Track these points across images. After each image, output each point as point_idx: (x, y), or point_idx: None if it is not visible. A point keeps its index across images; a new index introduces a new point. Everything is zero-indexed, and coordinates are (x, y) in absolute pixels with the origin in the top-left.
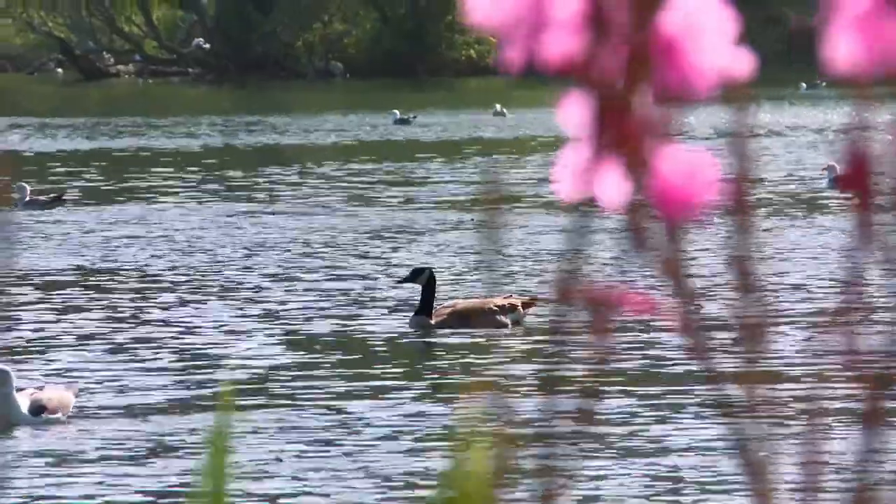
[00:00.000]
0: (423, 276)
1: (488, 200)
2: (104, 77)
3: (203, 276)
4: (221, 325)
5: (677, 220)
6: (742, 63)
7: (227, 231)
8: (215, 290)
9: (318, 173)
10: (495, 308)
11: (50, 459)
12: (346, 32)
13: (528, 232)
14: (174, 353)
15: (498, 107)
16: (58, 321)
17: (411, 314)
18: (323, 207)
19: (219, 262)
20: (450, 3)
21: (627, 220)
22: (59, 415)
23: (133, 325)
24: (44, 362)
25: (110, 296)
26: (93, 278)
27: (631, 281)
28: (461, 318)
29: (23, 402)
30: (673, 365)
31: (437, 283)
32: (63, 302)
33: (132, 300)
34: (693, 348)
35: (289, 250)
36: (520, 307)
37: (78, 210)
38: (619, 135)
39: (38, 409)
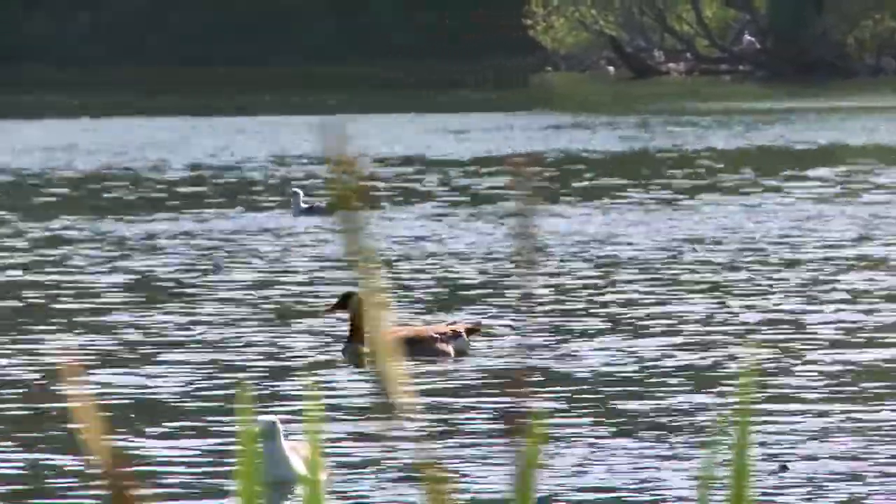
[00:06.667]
0: (353, 302)
1: None
2: (655, 75)
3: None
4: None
5: None
6: None
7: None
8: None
9: (855, 173)
10: (436, 336)
11: None
12: None
13: None
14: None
15: None
16: None
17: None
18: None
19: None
20: None
21: None
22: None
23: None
24: None
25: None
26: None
27: None
28: (398, 347)
29: (294, 457)
30: None
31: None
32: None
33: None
34: None
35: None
36: (464, 334)
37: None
38: None
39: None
